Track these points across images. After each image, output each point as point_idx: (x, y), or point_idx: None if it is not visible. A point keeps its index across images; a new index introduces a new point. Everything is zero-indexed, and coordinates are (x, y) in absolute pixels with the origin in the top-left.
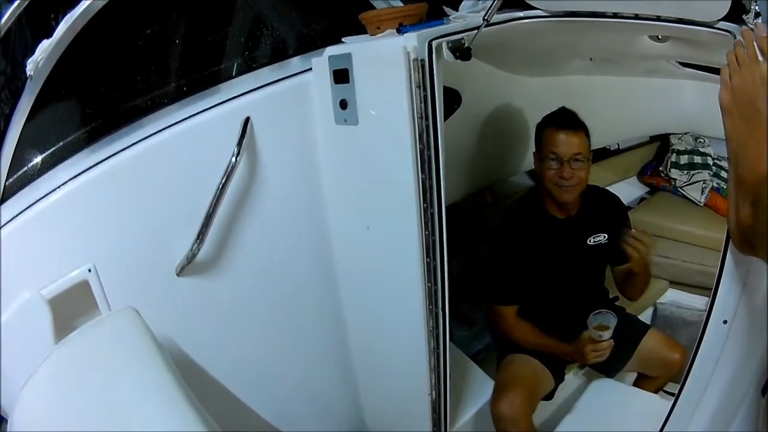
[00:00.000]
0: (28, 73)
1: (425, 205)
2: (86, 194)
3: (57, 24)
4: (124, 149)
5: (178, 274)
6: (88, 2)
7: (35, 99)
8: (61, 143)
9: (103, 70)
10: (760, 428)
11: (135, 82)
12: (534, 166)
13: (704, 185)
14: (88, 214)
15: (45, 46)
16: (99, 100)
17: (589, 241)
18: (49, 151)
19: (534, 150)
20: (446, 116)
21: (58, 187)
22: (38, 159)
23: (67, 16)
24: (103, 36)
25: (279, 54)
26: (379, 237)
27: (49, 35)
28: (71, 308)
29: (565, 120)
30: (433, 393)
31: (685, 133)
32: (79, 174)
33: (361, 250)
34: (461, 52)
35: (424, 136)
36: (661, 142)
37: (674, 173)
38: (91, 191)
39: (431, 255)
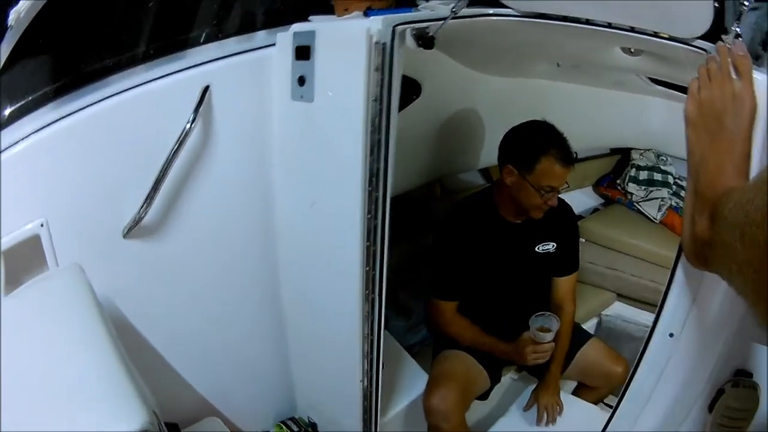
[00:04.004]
0: (9, 23)
1: (371, 188)
2: (45, 149)
3: None
4: (85, 107)
5: (124, 236)
6: None
7: (11, 51)
8: (29, 97)
9: (75, 26)
10: None
11: (105, 41)
12: (504, 177)
13: (662, 203)
14: (46, 168)
15: None
16: (69, 56)
17: (537, 249)
18: (18, 104)
19: (511, 161)
20: (404, 105)
21: (21, 139)
22: (7, 111)
23: None
24: None
25: (246, 26)
26: (323, 215)
27: None
28: (21, 260)
29: (569, 156)
30: (365, 380)
31: (648, 150)
32: (41, 128)
33: (304, 226)
34: (424, 40)
35: (377, 119)
36: (622, 155)
37: (632, 187)
38: (50, 146)
39: (372, 239)
